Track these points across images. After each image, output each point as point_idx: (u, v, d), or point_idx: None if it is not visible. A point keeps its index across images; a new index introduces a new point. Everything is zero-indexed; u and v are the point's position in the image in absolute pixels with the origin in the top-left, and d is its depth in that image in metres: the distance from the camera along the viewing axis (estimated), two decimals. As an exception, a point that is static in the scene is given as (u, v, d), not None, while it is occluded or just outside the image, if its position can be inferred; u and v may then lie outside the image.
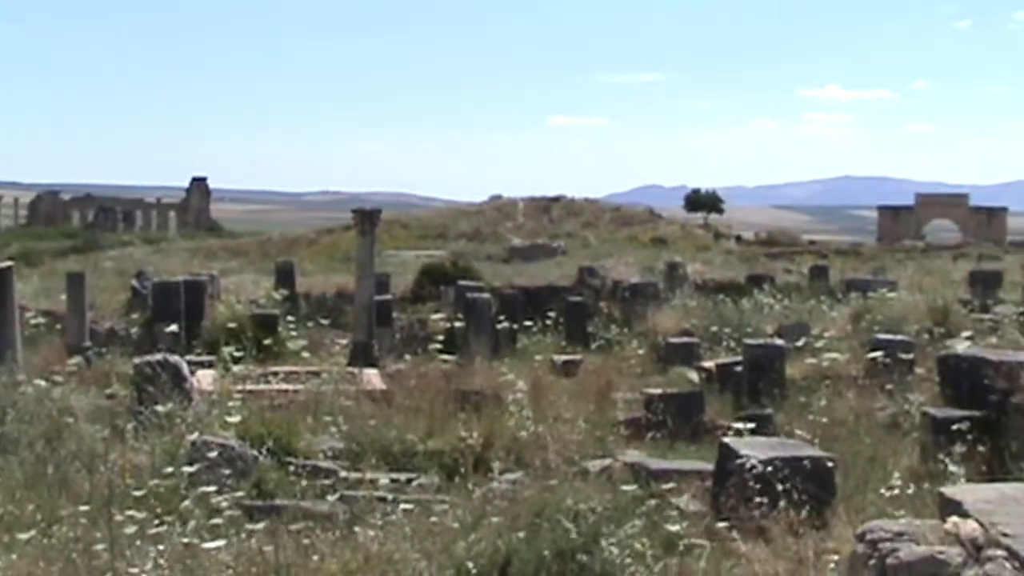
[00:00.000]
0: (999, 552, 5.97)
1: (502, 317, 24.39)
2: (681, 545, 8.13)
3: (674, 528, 8.49)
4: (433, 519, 9.01)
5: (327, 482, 11.01)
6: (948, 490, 7.21)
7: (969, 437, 10.98)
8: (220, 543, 8.07)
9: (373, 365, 19.91)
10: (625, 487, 10.09)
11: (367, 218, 23.29)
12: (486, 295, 25.53)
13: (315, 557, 8.22)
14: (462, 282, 30.19)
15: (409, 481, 11.39)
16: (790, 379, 17.03)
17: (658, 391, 15.96)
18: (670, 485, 10.43)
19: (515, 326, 24.60)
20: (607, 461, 11.88)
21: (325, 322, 23.46)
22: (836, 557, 7.09)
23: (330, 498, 10.49)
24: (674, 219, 77.22)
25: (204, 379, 15.62)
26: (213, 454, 10.43)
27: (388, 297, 27.67)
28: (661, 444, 13.90)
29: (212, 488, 9.23)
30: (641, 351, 22.33)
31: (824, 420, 13.76)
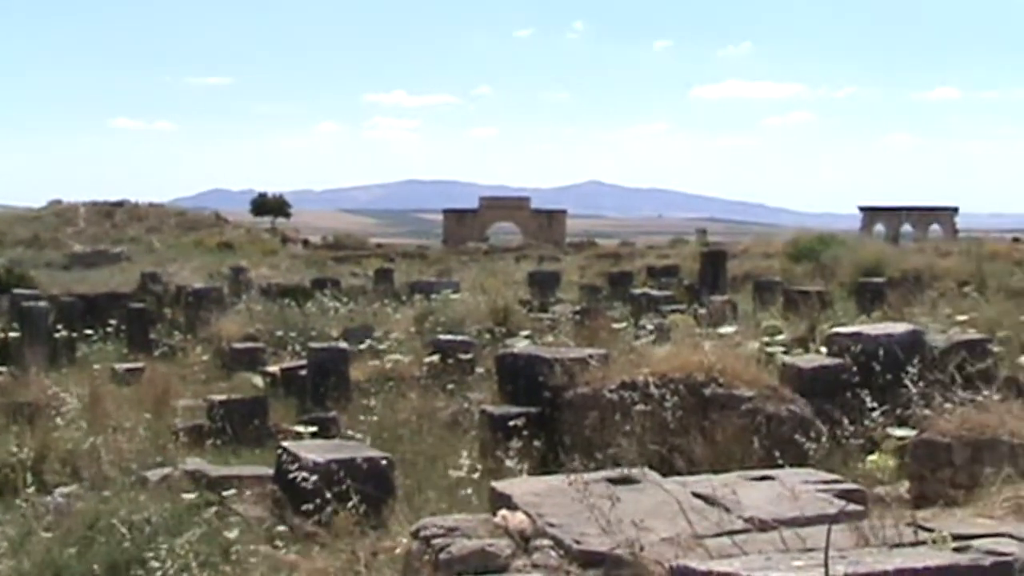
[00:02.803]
0: (546, 542, 6.14)
1: (60, 326, 23.53)
2: (237, 551, 8.01)
3: (232, 535, 8.36)
4: (-21, 539, 8.56)
5: None
6: (499, 484, 7.38)
7: (525, 433, 11.26)
8: None
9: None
10: (185, 495, 9.90)
11: (-90, 223, 21.94)
12: (43, 303, 24.67)
13: None
14: (17, 290, 29.04)
15: (-47, 501, 10.77)
16: (354, 381, 17.10)
17: (221, 397, 15.70)
18: (231, 491, 10.29)
19: (74, 335, 23.76)
20: (167, 470, 11.60)
21: None
22: (392, 555, 7.12)
23: None
24: (241, 223, 76.75)
25: None
26: None
27: (-66, 308, 26.24)
28: (224, 450, 13.70)
29: None
30: (206, 357, 21.98)
31: (387, 421, 13.89)
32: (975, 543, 5.00)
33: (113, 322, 25.43)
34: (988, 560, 4.51)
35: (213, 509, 9.40)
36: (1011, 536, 5.78)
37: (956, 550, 4.88)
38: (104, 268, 45.38)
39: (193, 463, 12.06)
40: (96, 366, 20.16)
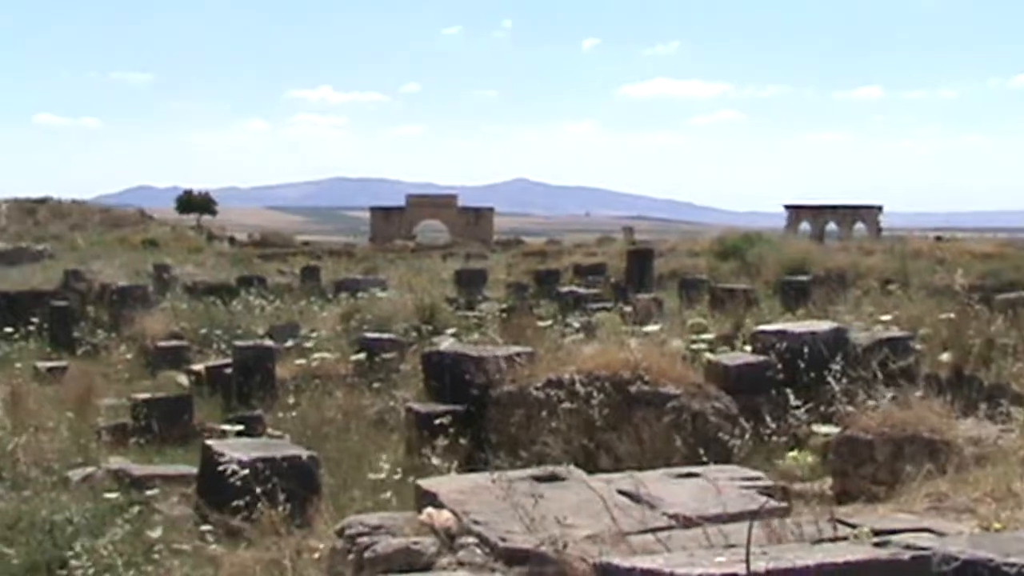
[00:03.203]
0: (471, 539, 6.15)
1: (-20, 324, 23.25)
2: (161, 551, 7.95)
3: (155, 534, 8.29)
4: None
5: None
6: (425, 482, 7.38)
7: (451, 431, 11.26)
8: None
9: None
10: (108, 495, 9.82)
11: None
12: (-37, 301, 24.35)
13: None
14: (-63, 288, 28.70)
15: None
16: (280, 379, 17.01)
17: (145, 396, 15.57)
18: (155, 491, 10.22)
19: (-5, 333, 23.48)
20: (90, 469, 11.51)
21: None
22: (317, 554, 7.10)
23: None
24: (166, 221, 76.24)
25: None
26: None
27: None
28: (148, 449, 13.59)
29: None
30: (130, 355, 21.78)
31: (313, 419, 13.84)
32: (895, 538, 5.05)
33: (35, 320, 25.08)
34: (907, 555, 4.57)
35: (136, 508, 9.33)
36: (931, 531, 5.86)
37: (876, 545, 4.93)
38: (26, 265, 44.81)
39: (116, 462, 11.96)
40: (18, 365, 19.91)
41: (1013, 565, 4.46)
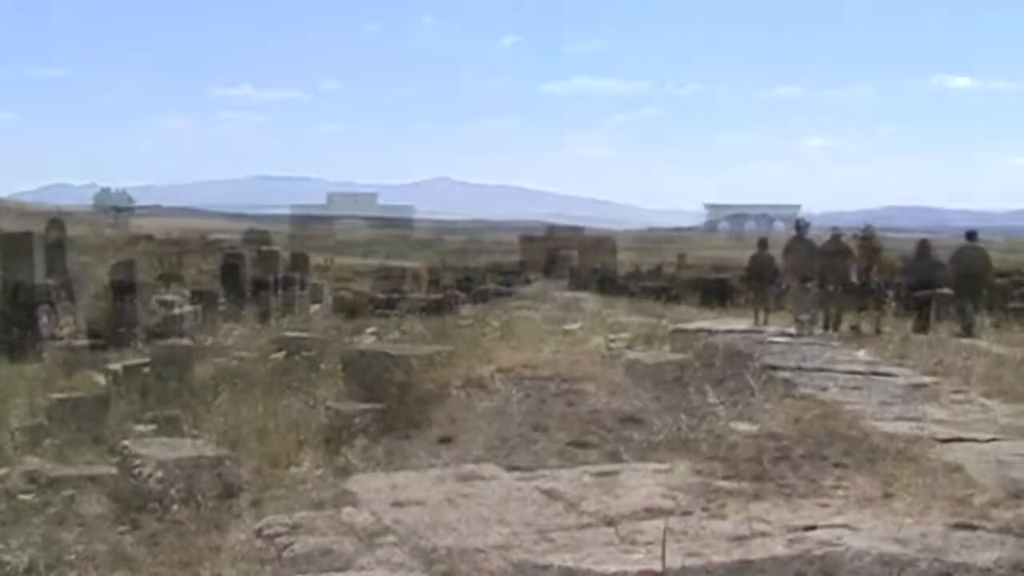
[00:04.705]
0: (390, 539, 6.14)
1: None
2: (76, 552, 7.85)
3: (72, 535, 8.19)
4: None
5: None
6: (344, 481, 7.36)
7: (371, 429, 11.21)
8: None
9: None
10: (23, 496, 9.70)
11: None
12: None
13: None
14: None
15: None
16: (200, 379, 16.88)
17: (62, 395, 15.39)
18: (71, 492, 10.09)
19: (-92, 332, 23.16)
20: (4, 470, 11.34)
21: None
22: (236, 553, 7.04)
23: None
24: (84, 219, 75.46)
25: None
26: None
27: None
28: (65, 450, 13.42)
29: None
30: (46, 355, 21.55)
31: (232, 418, 13.73)
32: (811, 534, 5.11)
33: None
34: (822, 550, 4.62)
35: (52, 510, 9.21)
36: (847, 527, 5.92)
37: (792, 541, 4.98)
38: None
39: (32, 463, 11.80)
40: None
41: (924, 560, 4.53)
